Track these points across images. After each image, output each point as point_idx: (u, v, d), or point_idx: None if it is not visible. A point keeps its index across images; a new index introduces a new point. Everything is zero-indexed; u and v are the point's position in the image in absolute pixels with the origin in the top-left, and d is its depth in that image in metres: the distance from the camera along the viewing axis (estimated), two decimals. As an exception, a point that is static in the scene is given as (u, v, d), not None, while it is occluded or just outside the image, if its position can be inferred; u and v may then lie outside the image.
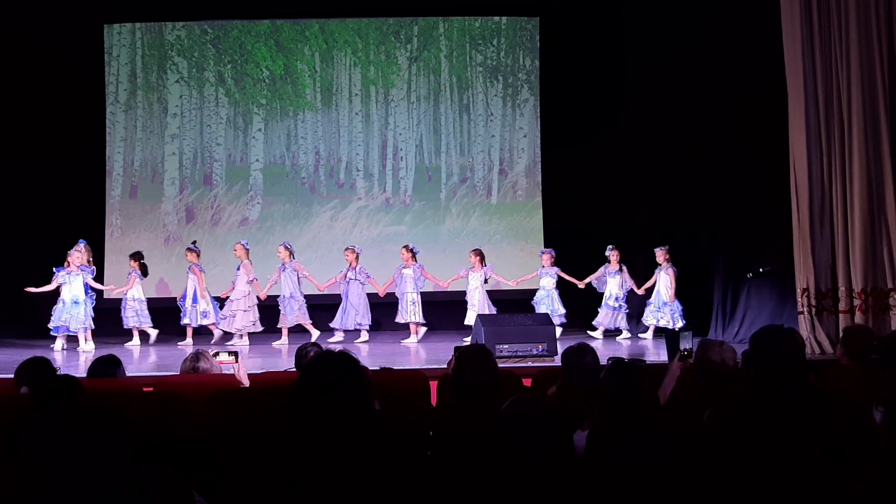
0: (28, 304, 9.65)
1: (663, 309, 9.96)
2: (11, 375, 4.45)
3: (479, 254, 10.18)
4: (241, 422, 3.79)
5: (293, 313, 9.81)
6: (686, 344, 4.60)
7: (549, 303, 10.13)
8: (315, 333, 9.79)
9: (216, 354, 5.05)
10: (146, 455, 2.42)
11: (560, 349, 5.33)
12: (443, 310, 10.69)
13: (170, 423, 3.86)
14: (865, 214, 7.84)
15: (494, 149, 11.77)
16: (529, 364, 7.24)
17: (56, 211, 10.26)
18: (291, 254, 9.95)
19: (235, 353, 5.10)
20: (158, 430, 3.41)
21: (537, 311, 9.84)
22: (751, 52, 8.77)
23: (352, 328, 9.93)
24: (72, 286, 9.32)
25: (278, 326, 9.86)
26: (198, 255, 9.99)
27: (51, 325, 9.32)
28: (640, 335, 10.11)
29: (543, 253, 10.47)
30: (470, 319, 10.09)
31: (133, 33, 11.50)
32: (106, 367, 4.89)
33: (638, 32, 10.76)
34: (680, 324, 9.82)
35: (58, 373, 4.71)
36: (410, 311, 9.95)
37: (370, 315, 9.97)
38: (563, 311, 10.13)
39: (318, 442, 2.56)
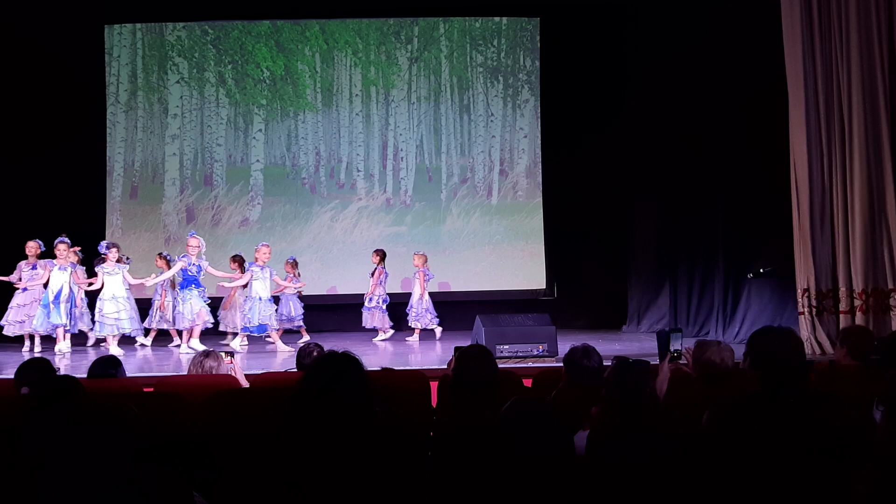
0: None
1: (417, 308, 10.03)
2: (11, 375, 4.45)
3: (381, 254, 10.27)
4: (241, 422, 3.78)
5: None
6: (676, 344, 4.59)
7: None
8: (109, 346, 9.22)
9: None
10: (146, 455, 2.42)
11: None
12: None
13: (170, 423, 3.86)
14: (866, 214, 7.83)
15: (495, 149, 11.77)
16: (530, 364, 7.22)
17: (56, 211, 10.24)
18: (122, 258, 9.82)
19: (231, 353, 5.10)
20: (158, 430, 3.40)
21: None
22: (751, 52, 8.77)
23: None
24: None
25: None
26: (241, 264, 9.89)
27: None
28: (406, 338, 10.04)
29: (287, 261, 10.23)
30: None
31: (133, 34, 11.50)
32: (106, 367, 4.88)
33: (638, 32, 10.77)
34: (432, 326, 10.01)
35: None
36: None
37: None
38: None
39: (318, 442, 2.56)
